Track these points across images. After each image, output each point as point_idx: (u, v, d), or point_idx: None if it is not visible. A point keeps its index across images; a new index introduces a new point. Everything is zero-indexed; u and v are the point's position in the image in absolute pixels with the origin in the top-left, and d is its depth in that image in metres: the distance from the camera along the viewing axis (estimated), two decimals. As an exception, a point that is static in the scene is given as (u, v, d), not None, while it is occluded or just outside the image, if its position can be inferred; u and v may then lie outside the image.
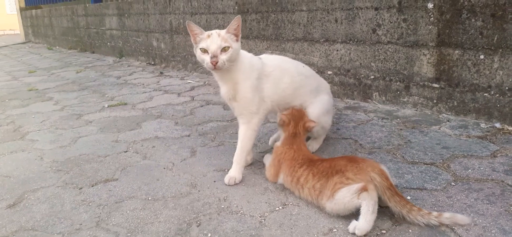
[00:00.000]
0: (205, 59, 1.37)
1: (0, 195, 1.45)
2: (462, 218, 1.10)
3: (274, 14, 2.84)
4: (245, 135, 1.50)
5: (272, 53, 2.87)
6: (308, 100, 1.59)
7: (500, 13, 1.77)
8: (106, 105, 2.71)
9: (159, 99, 2.80)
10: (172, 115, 2.39)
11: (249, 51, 1.45)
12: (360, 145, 1.75)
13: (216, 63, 1.34)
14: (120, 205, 1.34)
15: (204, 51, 1.37)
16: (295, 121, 1.46)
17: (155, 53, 4.41)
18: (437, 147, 1.66)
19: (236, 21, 1.39)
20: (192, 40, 1.43)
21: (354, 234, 1.10)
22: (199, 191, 1.42)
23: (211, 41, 1.36)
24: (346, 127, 1.99)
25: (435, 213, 1.10)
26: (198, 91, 2.99)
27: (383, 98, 2.30)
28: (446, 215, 1.10)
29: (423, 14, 2.03)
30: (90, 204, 1.36)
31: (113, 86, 3.38)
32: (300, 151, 1.39)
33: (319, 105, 1.61)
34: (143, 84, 3.43)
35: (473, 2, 1.84)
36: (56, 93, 3.21)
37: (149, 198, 1.38)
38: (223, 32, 1.39)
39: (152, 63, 4.48)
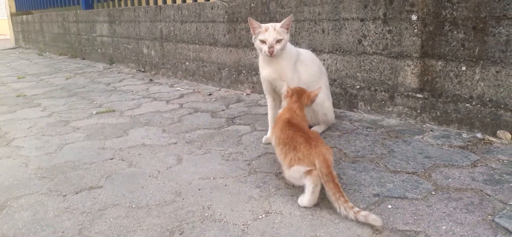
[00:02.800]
0: (263, 48, 1.73)
1: (-18, 202, 1.45)
2: (374, 219, 1.17)
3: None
4: None
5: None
6: (321, 87, 1.89)
7: (481, 25, 1.82)
8: (94, 112, 2.71)
9: (147, 107, 2.81)
10: (160, 122, 2.40)
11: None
12: (344, 153, 1.77)
13: (273, 51, 1.71)
14: (104, 213, 1.34)
15: (263, 41, 1.73)
16: (298, 94, 1.65)
17: (145, 60, 4.42)
18: (420, 156, 1.69)
19: (288, 19, 1.75)
20: (251, 32, 1.79)
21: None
22: (183, 199, 1.43)
23: (268, 34, 1.71)
24: (331, 135, 2.01)
25: (355, 209, 1.21)
26: (187, 99, 3.00)
27: (369, 108, 2.33)
28: (363, 213, 1.19)
29: (407, 25, 2.07)
30: (74, 211, 1.36)
31: (102, 93, 3.38)
32: (293, 115, 1.56)
33: (326, 92, 2.04)
34: (132, 91, 3.43)
35: (455, 15, 1.89)
36: (45, 100, 3.19)
37: (133, 206, 1.39)
38: (277, 26, 1.73)
39: (142, 70, 4.48)
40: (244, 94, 3.04)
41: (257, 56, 2.97)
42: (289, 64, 1.82)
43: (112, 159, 1.85)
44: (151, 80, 3.89)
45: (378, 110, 2.29)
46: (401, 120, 2.19)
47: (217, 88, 3.33)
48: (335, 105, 2.48)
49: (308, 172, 1.30)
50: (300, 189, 1.39)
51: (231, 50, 3.21)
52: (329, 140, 1.95)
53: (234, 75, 3.22)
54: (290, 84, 1.72)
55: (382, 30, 2.18)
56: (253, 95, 3.00)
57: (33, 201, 1.44)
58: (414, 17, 2.04)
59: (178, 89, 3.38)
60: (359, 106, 2.38)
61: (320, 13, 2.47)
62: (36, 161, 1.84)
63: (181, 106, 2.77)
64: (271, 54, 1.71)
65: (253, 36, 1.80)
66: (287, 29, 1.76)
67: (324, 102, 1.98)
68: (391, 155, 1.72)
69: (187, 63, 3.76)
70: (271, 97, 1.94)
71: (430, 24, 1.98)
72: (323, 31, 2.48)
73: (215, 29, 3.33)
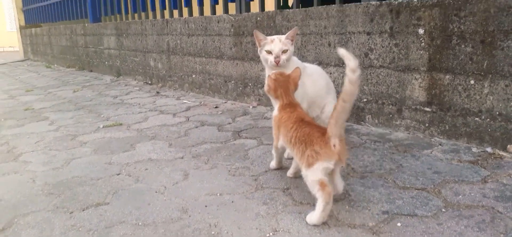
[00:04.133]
0: (269, 58, 1.80)
1: (-11, 220, 1.45)
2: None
3: (269, 37, 2.88)
4: None
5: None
6: (331, 103, 1.93)
7: (489, 39, 1.80)
8: (101, 126, 2.72)
9: (154, 120, 2.81)
10: (167, 136, 2.40)
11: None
12: (353, 168, 1.76)
13: (278, 61, 1.78)
14: (110, 230, 1.33)
15: (269, 52, 1.80)
16: (282, 86, 1.59)
17: (152, 73, 4.44)
18: (429, 172, 1.67)
19: (293, 30, 1.82)
20: (257, 44, 1.85)
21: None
22: (189, 216, 1.42)
23: (274, 45, 1.78)
24: (339, 150, 2.00)
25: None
26: (194, 112, 3.01)
27: (376, 121, 2.31)
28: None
29: (414, 39, 2.06)
30: (80, 229, 1.36)
31: (109, 106, 3.40)
32: (294, 111, 1.52)
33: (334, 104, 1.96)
34: (139, 104, 3.44)
35: (462, 28, 1.88)
36: (52, 113, 3.21)
37: (140, 223, 1.38)
38: (283, 37, 1.80)
39: (149, 82, 4.51)
40: (251, 107, 3.03)
41: (263, 69, 2.98)
42: None
43: (119, 174, 1.84)
44: (157, 93, 3.90)
45: (386, 124, 2.27)
46: (409, 133, 2.17)
47: (224, 101, 3.33)
48: (342, 118, 2.46)
49: (322, 186, 1.27)
50: (308, 206, 1.37)
51: (237, 63, 3.22)
52: (336, 155, 1.93)
53: (240, 88, 3.22)
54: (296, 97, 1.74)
55: (389, 43, 2.17)
56: (259, 108, 3.00)
57: (40, 218, 1.44)
58: (421, 31, 2.03)
59: (185, 102, 3.38)
60: (367, 119, 2.36)
61: (326, 27, 2.47)
62: (43, 177, 1.84)
63: (188, 120, 2.78)
64: (277, 63, 1.78)
65: (259, 49, 1.86)
66: (292, 40, 1.82)
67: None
68: (399, 170, 1.70)
69: (193, 76, 3.77)
70: None
71: (437, 37, 1.97)
72: (329, 45, 2.47)
73: (221, 42, 3.34)
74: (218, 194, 1.59)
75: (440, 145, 1.98)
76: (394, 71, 2.18)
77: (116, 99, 3.70)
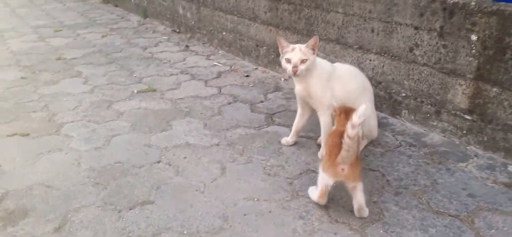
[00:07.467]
0: (288, 67, 1.77)
1: (45, 213, 1.56)
2: None
3: (308, 9, 2.77)
4: (324, 123, 1.90)
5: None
6: (363, 103, 1.89)
7: (547, 60, 1.71)
8: (135, 91, 2.76)
9: (186, 88, 2.83)
10: (201, 113, 2.43)
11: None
12: (387, 181, 1.79)
13: (296, 71, 1.75)
14: (158, 239, 1.43)
15: (288, 61, 1.77)
16: (346, 113, 1.64)
17: (181, 21, 4.36)
18: (463, 193, 1.69)
19: (314, 40, 1.77)
20: (280, 50, 1.82)
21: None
22: (230, 225, 1.51)
23: (294, 54, 1.76)
24: (374, 152, 2.01)
25: None
26: (225, 80, 3.00)
27: (412, 117, 2.29)
28: None
29: (464, 44, 1.97)
30: (130, 234, 1.46)
31: (140, 62, 3.40)
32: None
33: (372, 108, 2.01)
34: (169, 60, 3.43)
35: (520, 43, 1.78)
36: (84, 67, 3.25)
37: (185, 232, 1.47)
38: (303, 46, 1.77)
39: (177, 31, 4.44)
40: (282, 79, 3.01)
41: (298, 41, 2.92)
42: (319, 82, 1.85)
43: (159, 162, 1.92)
44: (187, 46, 3.87)
45: (422, 122, 2.25)
46: (445, 136, 2.15)
47: (254, 67, 3.30)
48: (378, 108, 2.43)
49: (320, 191, 1.56)
50: (344, 226, 1.43)
51: (271, 29, 3.13)
52: (371, 159, 1.95)
53: (272, 56, 3.17)
54: (321, 102, 1.86)
55: (437, 43, 2.08)
56: (291, 82, 2.97)
57: (91, 216, 1.54)
58: (474, 37, 1.93)
59: (215, 64, 3.36)
60: (403, 114, 2.34)
61: (371, 11, 2.36)
62: (87, 159, 1.93)
63: (220, 92, 2.78)
64: (294, 73, 1.76)
65: (281, 55, 1.84)
66: (313, 49, 1.78)
67: (370, 120, 1.96)
68: (434, 189, 1.72)
69: (224, 33, 3.70)
70: (301, 109, 2.03)
71: (490, 47, 1.88)
72: (373, 31, 2.38)
73: (255, 4, 3.22)
74: (256, 200, 1.66)
75: (476, 156, 1.97)
76: (438, 72, 2.11)
77: (146, 52, 3.69)
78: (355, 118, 1.39)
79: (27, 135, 2.16)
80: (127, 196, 1.67)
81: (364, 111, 1.40)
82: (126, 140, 2.11)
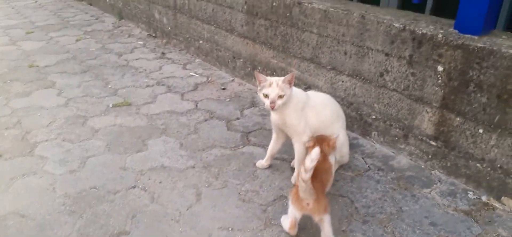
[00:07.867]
0: (266, 101, 1.82)
1: (20, 247, 1.56)
2: None
3: (284, 27, 2.81)
4: (298, 150, 1.97)
5: (281, 66, 2.88)
6: (337, 131, 1.99)
7: (506, 96, 1.83)
8: (110, 105, 2.74)
9: (162, 102, 2.83)
10: (177, 131, 2.45)
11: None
12: (356, 208, 1.87)
13: (274, 107, 1.80)
14: (134, 274, 1.46)
15: (265, 96, 1.81)
16: (320, 143, 1.73)
17: (157, 26, 4.32)
18: (425, 222, 1.80)
19: (291, 75, 1.81)
20: (257, 83, 1.85)
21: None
22: (205, 258, 1.55)
23: (271, 90, 1.79)
24: (344, 177, 2.10)
25: None
26: (202, 93, 3.01)
27: (381, 139, 2.39)
28: None
29: (431, 74, 2.06)
30: (106, 269, 1.48)
31: (115, 71, 3.37)
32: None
33: (344, 134, 2.09)
34: (145, 69, 3.42)
35: (482, 78, 1.89)
36: (58, 76, 3.19)
37: (160, 266, 1.51)
38: (280, 81, 1.80)
39: (154, 35, 4.40)
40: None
41: (274, 57, 2.97)
42: (295, 111, 1.91)
43: (134, 187, 1.94)
44: (163, 53, 3.85)
45: (391, 144, 2.35)
46: (411, 159, 2.26)
47: (231, 78, 3.33)
48: (349, 127, 2.53)
49: (290, 223, 1.62)
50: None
51: (247, 43, 3.16)
52: (341, 184, 2.04)
53: (249, 68, 3.20)
54: (296, 130, 1.92)
55: (406, 70, 2.17)
56: (267, 96, 3.02)
57: (67, 250, 1.56)
58: (440, 68, 2.02)
59: (192, 75, 3.37)
60: (373, 135, 2.43)
61: (344, 34, 2.43)
62: (62, 183, 1.93)
63: (196, 107, 2.80)
64: (272, 109, 1.81)
65: (258, 88, 1.87)
66: (290, 84, 1.83)
67: (342, 147, 2.04)
68: (399, 217, 1.82)
69: (200, 42, 3.70)
70: (276, 134, 2.09)
71: (455, 79, 1.98)
72: (345, 53, 2.45)
73: (232, 16, 3.24)
74: (230, 229, 1.71)
75: (439, 181, 2.08)
76: (407, 99, 2.20)
77: (121, 59, 3.65)
78: (308, 162, 1.46)
79: (0, 156, 2.13)
80: (103, 227, 1.68)
81: (317, 156, 1.46)
82: (101, 162, 2.12)
